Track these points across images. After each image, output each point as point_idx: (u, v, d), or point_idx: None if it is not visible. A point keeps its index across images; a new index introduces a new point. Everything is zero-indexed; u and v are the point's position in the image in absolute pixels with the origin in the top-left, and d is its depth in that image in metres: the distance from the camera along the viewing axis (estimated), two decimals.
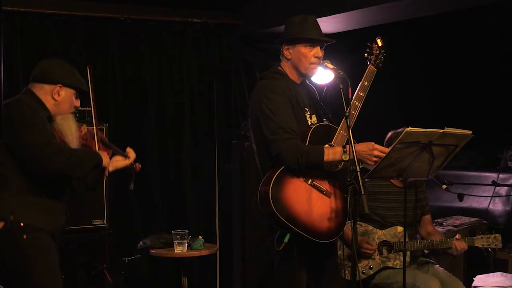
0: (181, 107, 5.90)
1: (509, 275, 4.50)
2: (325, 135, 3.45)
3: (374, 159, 3.32)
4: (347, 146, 3.29)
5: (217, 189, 6.02)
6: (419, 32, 5.67)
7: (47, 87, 3.30)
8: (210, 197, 5.98)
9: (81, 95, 3.47)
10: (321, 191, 3.38)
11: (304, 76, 3.58)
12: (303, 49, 3.50)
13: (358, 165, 3.19)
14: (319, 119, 3.56)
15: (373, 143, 3.34)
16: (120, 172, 5.46)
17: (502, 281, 4.42)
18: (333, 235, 3.40)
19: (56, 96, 3.30)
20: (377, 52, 3.59)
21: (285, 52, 3.55)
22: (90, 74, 3.48)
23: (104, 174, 3.41)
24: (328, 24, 5.60)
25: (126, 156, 3.57)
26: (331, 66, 3.47)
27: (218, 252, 5.66)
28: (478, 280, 4.49)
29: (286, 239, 3.33)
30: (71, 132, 3.34)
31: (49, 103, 3.30)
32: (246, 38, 6.12)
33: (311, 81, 3.71)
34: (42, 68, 3.36)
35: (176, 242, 4.78)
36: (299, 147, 3.33)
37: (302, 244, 3.36)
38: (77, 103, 3.41)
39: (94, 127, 3.46)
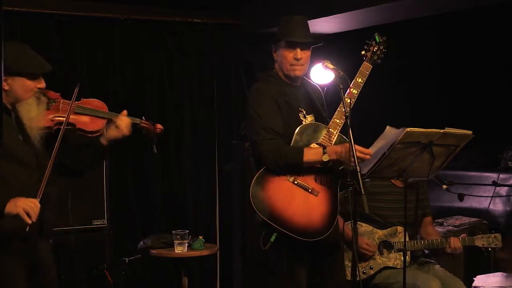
0: (181, 107, 5.90)
1: (509, 275, 4.50)
2: (312, 134, 3.47)
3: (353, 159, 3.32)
4: (327, 147, 3.35)
5: (217, 189, 6.02)
6: (418, 32, 5.67)
7: None
8: (210, 197, 5.98)
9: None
10: (306, 189, 3.40)
11: (289, 78, 3.58)
12: (283, 51, 3.53)
13: (359, 165, 3.19)
14: (318, 119, 3.56)
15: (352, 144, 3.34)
16: (121, 172, 5.49)
17: (503, 281, 4.42)
18: (322, 233, 3.39)
19: (5, 87, 3.00)
20: (375, 48, 3.59)
21: (273, 54, 3.61)
22: (75, 92, 3.20)
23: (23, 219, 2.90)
24: (328, 24, 5.60)
25: (115, 119, 3.28)
26: (331, 66, 3.48)
27: (218, 252, 5.65)
28: (479, 280, 4.49)
29: (272, 239, 3.36)
30: (29, 117, 3.05)
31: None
32: (246, 38, 6.12)
33: (310, 81, 3.72)
34: None
35: (176, 242, 4.78)
36: (279, 147, 3.37)
37: (295, 243, 3.36)
38: (39, 84, 3.09)
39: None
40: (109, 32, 5.61)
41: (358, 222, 3.69)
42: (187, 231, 4.86)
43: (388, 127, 3.53)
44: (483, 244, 4.12)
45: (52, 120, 3.13)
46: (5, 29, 4.94)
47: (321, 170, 3.41)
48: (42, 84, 3.11)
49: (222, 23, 6.06)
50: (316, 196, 3.40)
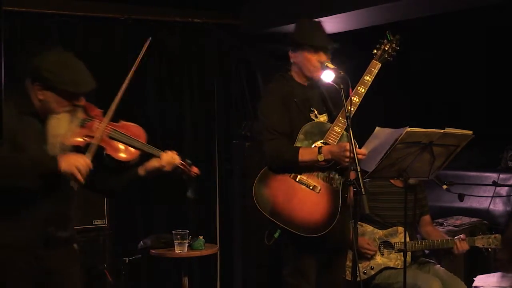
0: (181, 107, 5.90)
1: (510, 275, 4.49)
2: (317, 133, 3.53)
3: (347, 160, 3.36)
4: (323, 146, 3.41)
5: (217, 189, 6.02)
6: (419, 32, 5.67)
7: (29, 84, 2.87)
8: (210, 197, 5.98)
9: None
10: (308, 186, 3.45)
11: (310, 80, 3.62)
12: (307, 54, 3.58)
13: (359, 165, 3.21)
14: (331, 119, 3.61)
15: (346, 143, 3.37)
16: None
17: (502, 281, 4.42)
18: (322, 229, 3.44)
19: (39, 95, 2.84)
20: (386, 46, 3.62)
21: (290, 55, 3.65)
22: (144, 48, 3.01)
23: (76, 181, 2.76)
24: (328, 24, 5.56)
25: (157, 156, 3.07)
26: (332, 66, 3.50)
27: (218, 252, 5.65)
28: (479, 280, 4.48)
29: (276, 235, 3.44)
30: (56, 133, 2.84)
31: (35, 100, 2.85)
32: (246, 38, 6.12)
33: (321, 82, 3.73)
34: (31, 61, 2.89)
35: (176, 242, 4.77)
36: (277, 147, 3.46)
37: (301, 239, 3.41)
38: (77, 102, 2.89)
39: (104, 121, 2.95)
40: (109, 32, 5.60)
41: (359, 222, 3.70)
42: (187, 231, 4.86)
43: (377, 128, 3.56)
44: (483, 245, 4.13)
45: (83, 140, 2.90)
46: (5, 29, 4.96)
47: (323, 168, 3.45)
48: (81, 102, 2.92)
49: (222, 23, 6.06)
50: (318, 193, 3.44)
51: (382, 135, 3.51)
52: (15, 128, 2.76)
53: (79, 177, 2.74)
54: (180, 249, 4.77)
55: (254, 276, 5.44)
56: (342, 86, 3.35)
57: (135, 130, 3.09)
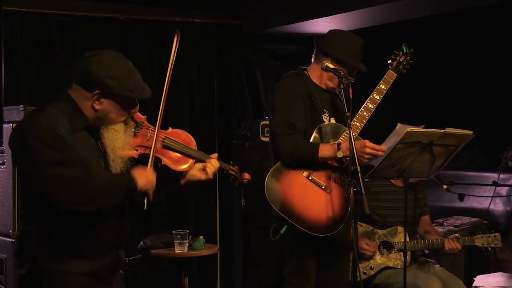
0: (181, 107, 5.90)
1: (510, 275, 4.50)
2: (331, 134, 3.54)
3: (367, 156, 3.36)
4: (342, 143, 3.38)
5: (217, 189, 6.02)
6: (419, 33, 5.67)
7: (84, 92, 2.52)
8: (210, 197, 5.98)
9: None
10: (319, 186, 3.45)
11: (328, 89, 3.63)
12: (341, 69, 3.52)
13: (359, 165, 3.21)
14: (339, 123, 3.62)
15: (366, 140, 3.38)
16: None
17: (503, 281, 4.42)
18: (330, 230, 3.44)
19: (96, 105, 2.53)
20: (401, 58, 3.66)
21: (315, 55, 3.65)
22: (176, 43, 2.81)
23: (148, 195, 2.59)
24: (328, 24, 5.60)
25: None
26: (332, 67, 3.49)
27: (218, 252, 5.65)
28: (479, 280, 4.49)
29: (282, 230, 3.43)
30: (114, 146, 2.59)
31: (88, 111, 2.55)
32: (246, 38, 6.13)
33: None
34: (83, 65, 2.52)
35: (176, 242, 4.77)
36: (295, 142, 3.43)
37: (306, 236, 3.41)
38: (135, 109, 2.66)
39: (156, 129, 2.75)
40: (109, 32, 5.60)
41: (359, 222, 3.70)
42: (187, 231, 4.86)
43: (399, 124, 3.59)
44: (483, 244, 4.12)
45: (137, 150, 2.69)
46: (5, 29, 4.96)
47: (336, 169, 3.45)
48: (136, 109, 2.68)
49: (222, 23, 6.06)
50: (329, 193, 3.45)
51: (403, 131, 3.51)
52: (78, 148, 2.49)
53: (151, 196, 2.58)
54: (180, 249, 4.77)
55: (254, 276, 5.44)
56: (342, 87, 3.35)
57: (185, 137, 2.90)
